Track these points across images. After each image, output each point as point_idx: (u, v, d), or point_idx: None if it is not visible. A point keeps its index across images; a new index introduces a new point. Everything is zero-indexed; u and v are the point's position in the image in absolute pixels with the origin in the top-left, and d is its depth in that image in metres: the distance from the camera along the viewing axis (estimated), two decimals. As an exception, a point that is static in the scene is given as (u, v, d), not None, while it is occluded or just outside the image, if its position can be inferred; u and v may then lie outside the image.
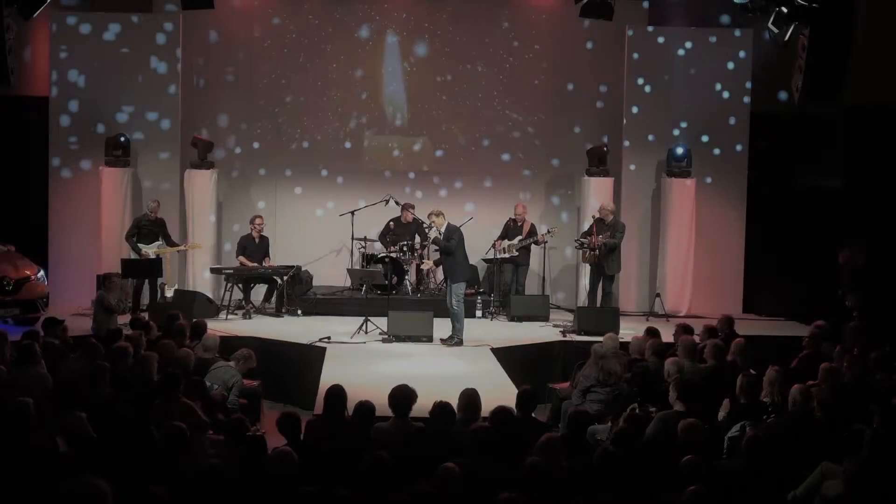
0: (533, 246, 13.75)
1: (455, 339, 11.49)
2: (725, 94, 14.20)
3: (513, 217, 13.92)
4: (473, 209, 14.53)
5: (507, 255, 13.61)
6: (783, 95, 13.70)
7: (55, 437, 6.23)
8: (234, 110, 14.77)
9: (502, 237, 13.80)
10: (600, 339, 9.91)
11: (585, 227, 13.50)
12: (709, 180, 14.25)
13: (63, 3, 13.97)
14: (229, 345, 10.89)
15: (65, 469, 5.58)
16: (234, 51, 14.69)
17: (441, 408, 6.69)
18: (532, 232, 13.70)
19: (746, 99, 14.17)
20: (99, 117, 13.92)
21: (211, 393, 8.34)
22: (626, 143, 14.32)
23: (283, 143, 14.84)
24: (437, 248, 12.29)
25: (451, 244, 11.54)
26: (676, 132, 14.24)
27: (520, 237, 13.67)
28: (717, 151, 14.28)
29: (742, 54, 14.14)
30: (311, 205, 14.94)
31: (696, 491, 5.13)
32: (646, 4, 14.50)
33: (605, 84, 14.76)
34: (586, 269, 13.45)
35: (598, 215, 13.14)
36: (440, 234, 11.59)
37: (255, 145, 14.83)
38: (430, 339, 11.66)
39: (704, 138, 14.24)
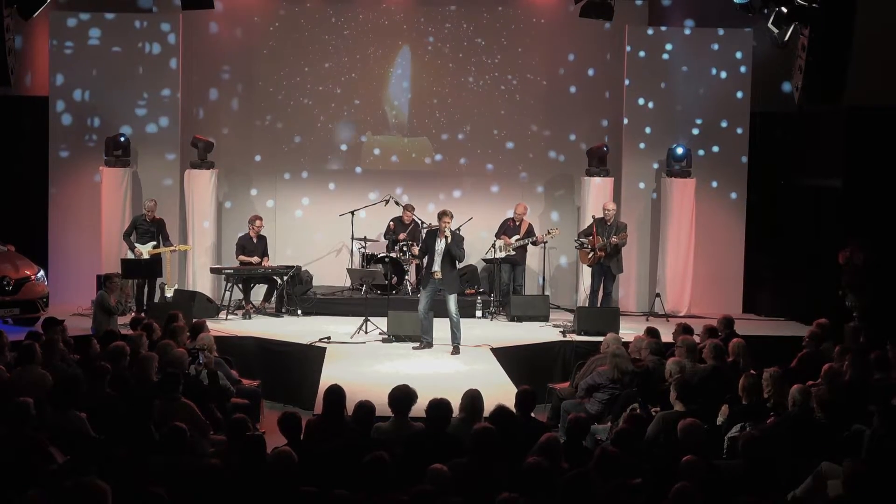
0: (531, 246, 13.72)
1: (457, 347, 11.28)
2: (725, 95, 14.17)
3: (511, 216, 13.87)
4: (471, 210, 14.51)
5: (502, 255, 13.56)
6: (783, 96, 13.69)
7: (55, 437, 6.23)
8: (233, 110, 14.80)
9: (499, 236, 13.69)
10: (600, 338, 9.93)
11: (584, 227, 13.49)
12: (709, 182, 14.25)
13: (60, 4, 13.96)
14: (229, 345, 10.93)
15: (65, 469, 5.57)
16: (230, 46, 14.70)
17: (436, 406, 6.65)
18: (530, 232, 13.64)
19: (746, 99, 14.16)
20: (101, 115, 13.91)
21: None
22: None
23: (282, 143, 14.82)
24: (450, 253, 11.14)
25: (464, 253, 11.41)
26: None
27: (517, 237, 13.63)
28: (716, 151, 14.26)
29: (741, 55, 14.13)
30: (310, 204, 14.94)
31: (682, 489, 5.09)
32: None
33: (608, 90, 14.75)
34: (586, 270, 13.37)
35: (599, 215, 13.11)
36: (448, 237, 11.05)
37: (254, 145, 14.84)
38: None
39: (704, 138, 14.23)
